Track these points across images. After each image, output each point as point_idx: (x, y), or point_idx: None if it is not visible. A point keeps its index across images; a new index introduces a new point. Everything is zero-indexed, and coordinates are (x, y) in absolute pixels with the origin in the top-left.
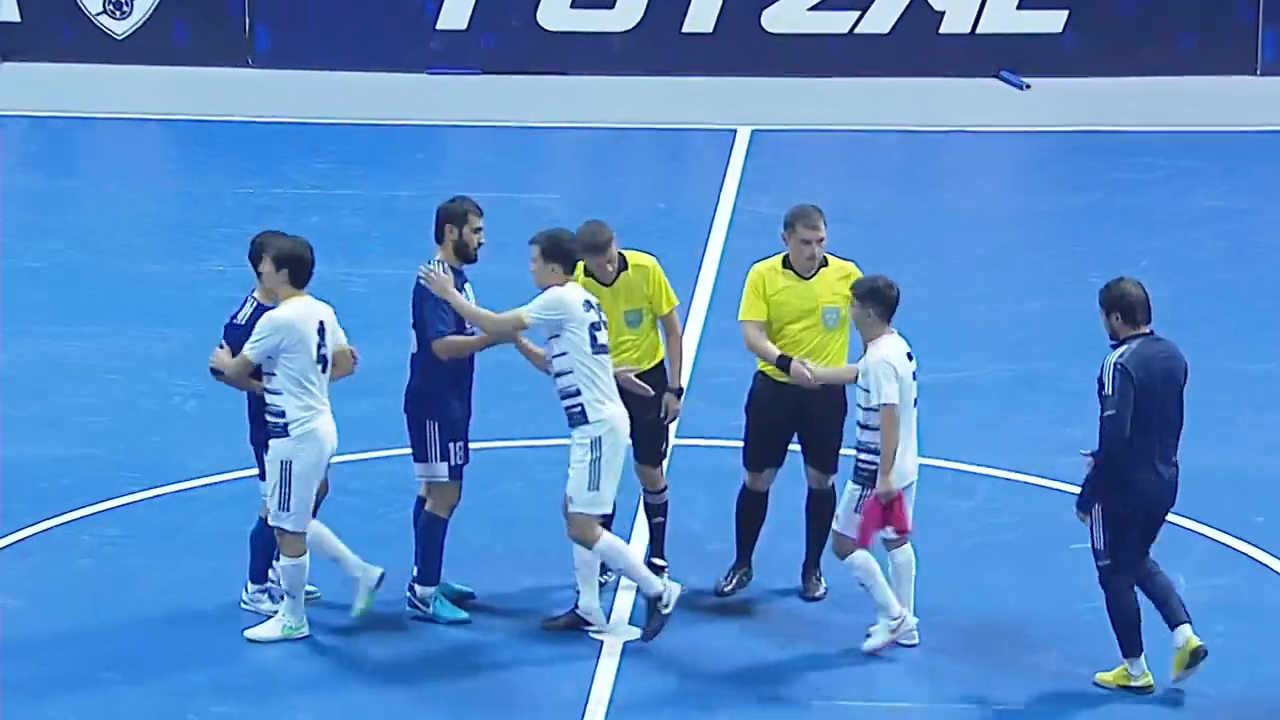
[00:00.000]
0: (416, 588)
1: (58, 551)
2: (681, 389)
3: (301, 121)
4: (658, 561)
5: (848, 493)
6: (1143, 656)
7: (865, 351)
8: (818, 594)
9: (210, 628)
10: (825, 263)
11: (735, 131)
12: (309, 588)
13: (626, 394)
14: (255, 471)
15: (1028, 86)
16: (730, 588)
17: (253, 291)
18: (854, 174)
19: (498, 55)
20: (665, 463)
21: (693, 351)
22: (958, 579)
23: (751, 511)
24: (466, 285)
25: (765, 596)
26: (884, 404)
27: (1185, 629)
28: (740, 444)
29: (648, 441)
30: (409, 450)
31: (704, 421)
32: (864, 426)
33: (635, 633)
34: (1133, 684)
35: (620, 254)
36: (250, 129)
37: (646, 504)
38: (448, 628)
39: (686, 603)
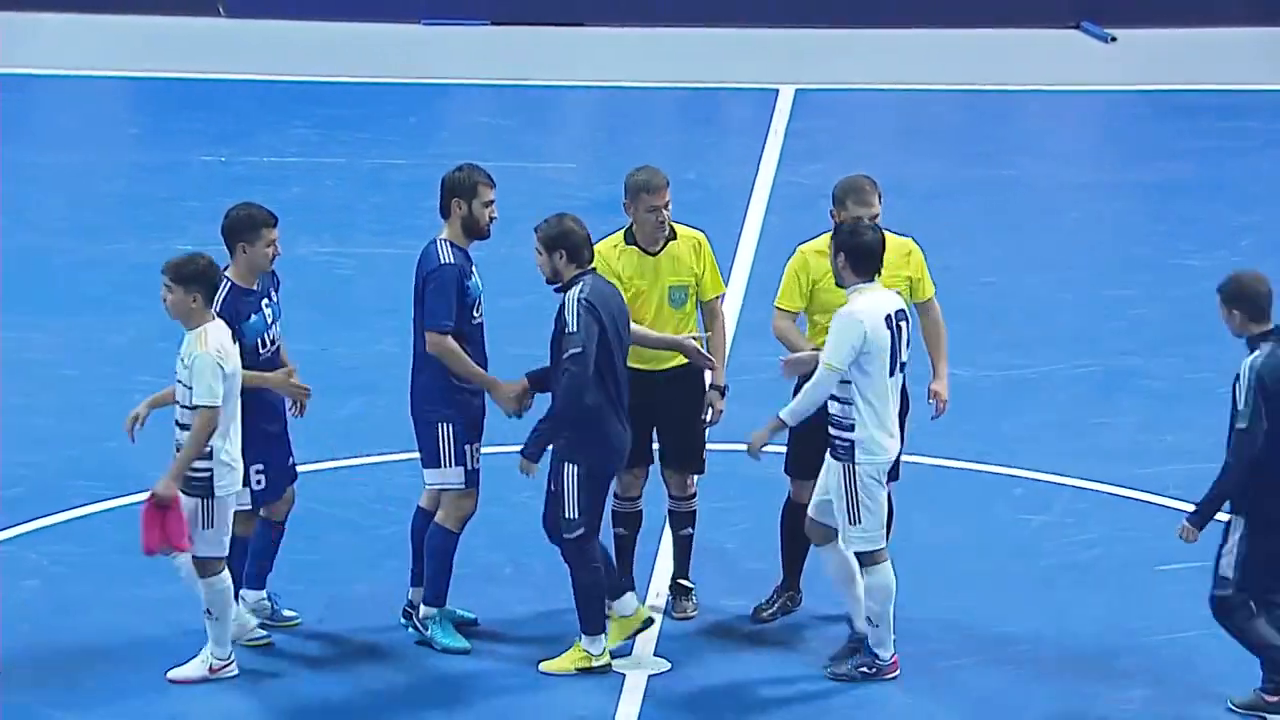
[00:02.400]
0: (422, 607)
1: (1, 570)
2: (725, 387)
3: (280, 80)
4: (684, 583)
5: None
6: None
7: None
8: None
9: (175, 658)
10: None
11: (777, 91)
12: (288, 612)
13: (651, 390)
14: None
15: (1113, 39)
16: (772, 612)
17: (224, 270)
18: (911, 139)
19: (505, 3)
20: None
21: (727, 344)
22: (1031, 604)
23: (797, 526)
24: (474, 269)
25: (810, 623)
26: (200, 405)
27: (631, 598)
28: (782, 449)
29: (680, 445)
30: (403, 456)
31: (739, 423)
32: (179, 425)
33: (662, 664)
34: (595, 664)
35: (670, 225)
36: (221, 88)
37: (671, 512)
38: (447, 658)
39: (721, 630)
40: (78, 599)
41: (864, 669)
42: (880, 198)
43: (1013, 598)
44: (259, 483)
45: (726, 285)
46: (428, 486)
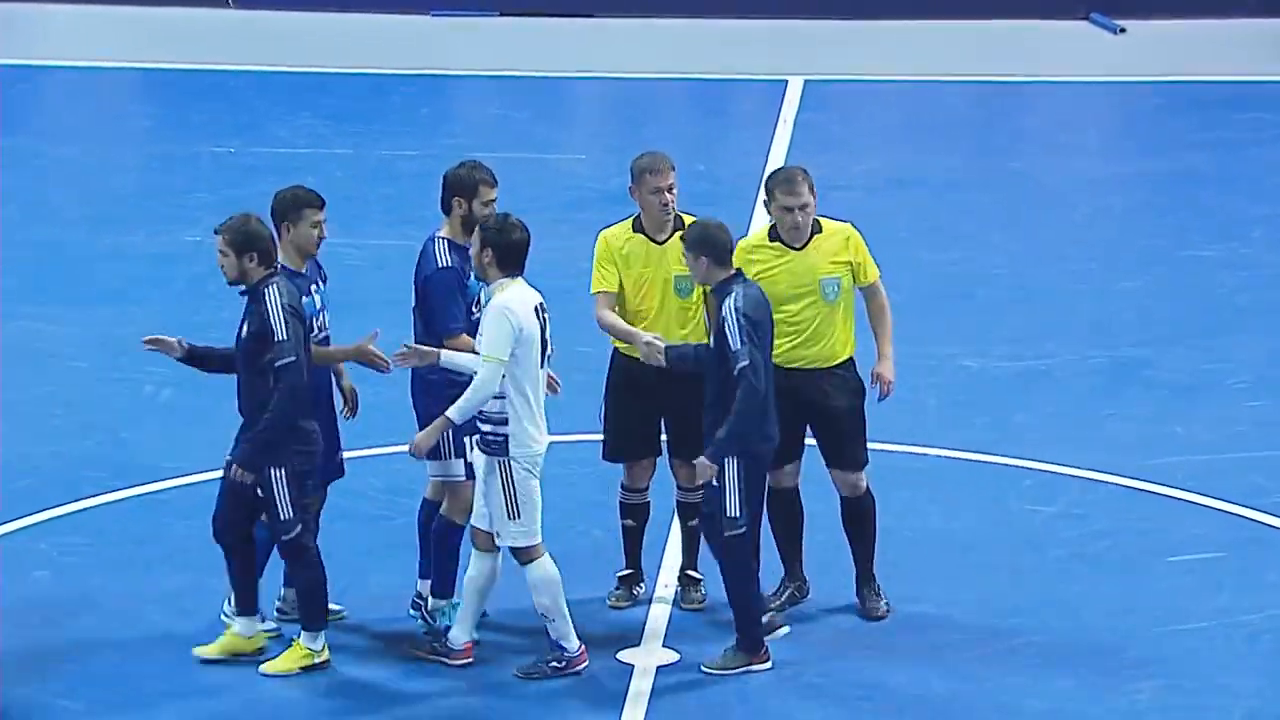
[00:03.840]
0: (430, 599)
1: (12, 562)
2: None
3: (289, 71)
4: (693, 574)
5: None
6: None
7: None
8: (880, 613)
9: (186, 650)
10: (819, 228)
11: (786, 82)
12: (333, 606)
13: (658, 381)
14: None
15: (1122, 30)
16: (780, 603)
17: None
18: (922, 131)
19: None
20: None
21: None
22: (1040, 596)
23: (784, 512)
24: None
25: (819, 615)
26: None
27: (255, 621)
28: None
29: (687, 436)
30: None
31: None
32: None
33: (671, 655)
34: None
35: (677, 215)
36: (230, 79)
37: (680, 503)
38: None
39: (729, 621)
40: (88, 590)
41: (554, 664)
42: (812, 189)
43: (1022, 589)
44: None
45: None
46: (430, 478)
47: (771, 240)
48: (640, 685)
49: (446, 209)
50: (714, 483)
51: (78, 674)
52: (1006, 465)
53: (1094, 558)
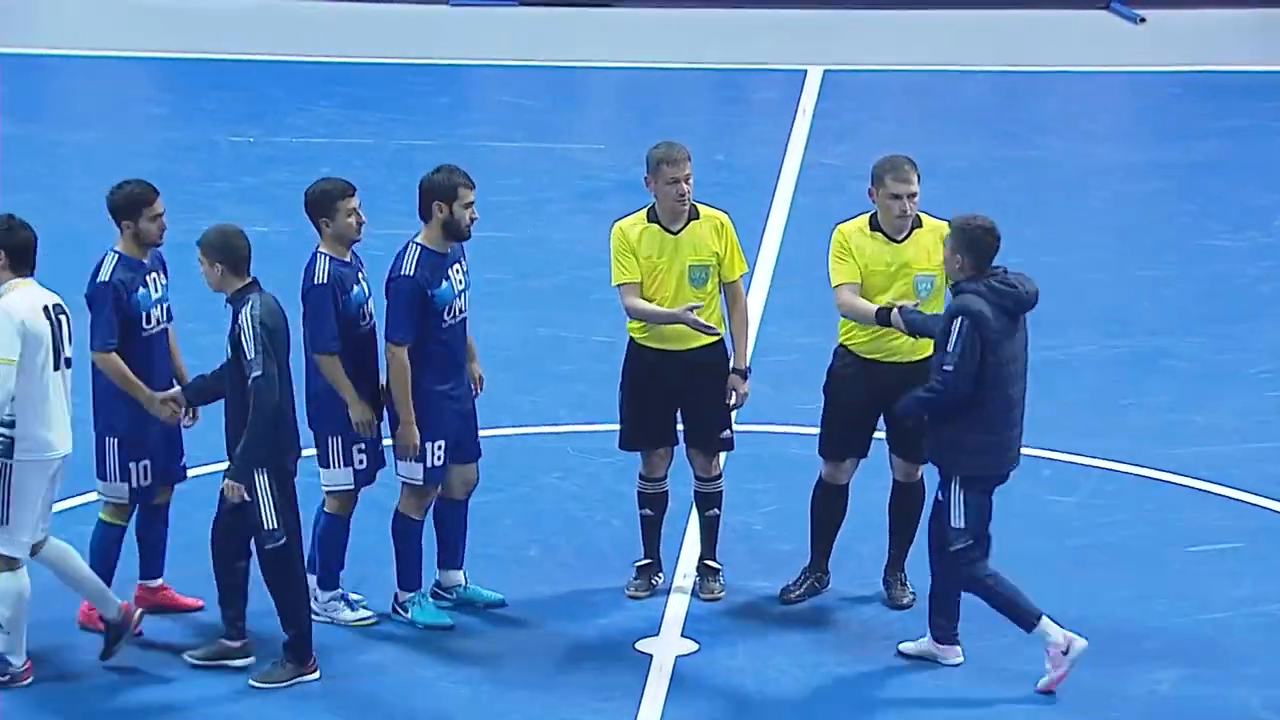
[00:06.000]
0: (398, 593)
1: None
2: (748, 369)
3: (307, 60)
4: (711, 564)
5: None
6: None
7: None
8: (905, 602)
9: (193, 640)
10: (919, 223)
11: (805, 72)
12: (364, 612)
13: (675, 371)
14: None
15: (1142, 20)
16: (799, 593)
17: (318, 247)
18: (940, 120)
19: None
20: (724, 455)
21: (755, 325)
22: (1060, 585)
23: (830, 507)
24: (454, 268)
25: (840, 605)
26: None
27: None
28: (815, 430)
29: (704, 425)
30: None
31: (767, 405)
32: None
33: (689, 645)
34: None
35: (694, 205)
36: (248, 68)
37: (697, 493)
38: (474, 636)
39: (748, 611)
40: None
41: None
42: (919, 178)
43: (1042, 578)
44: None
45: (754, 267)
46: (397, 477)
47: (872, 230)
48: (658, 675)
49: (426, 215)
50: (245, 498)
51: (93, 662)
52: (1025, 455)
53: (1113, 547)
